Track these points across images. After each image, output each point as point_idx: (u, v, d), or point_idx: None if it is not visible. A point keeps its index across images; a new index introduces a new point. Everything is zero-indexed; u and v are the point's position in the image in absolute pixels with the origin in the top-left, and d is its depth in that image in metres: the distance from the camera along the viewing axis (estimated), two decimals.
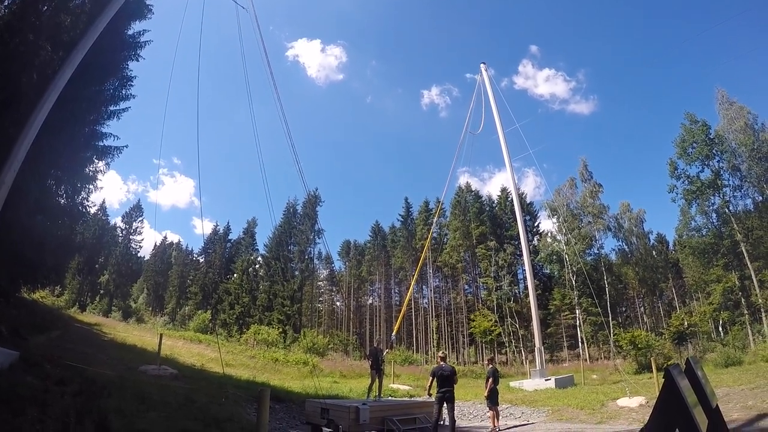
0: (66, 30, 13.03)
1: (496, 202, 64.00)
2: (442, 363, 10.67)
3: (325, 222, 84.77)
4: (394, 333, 26.99)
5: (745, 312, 36.30)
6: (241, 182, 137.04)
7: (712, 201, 39.63)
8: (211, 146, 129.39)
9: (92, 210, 21.75)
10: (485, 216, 60.26)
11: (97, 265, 59.28)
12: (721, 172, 39.14)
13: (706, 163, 39.31)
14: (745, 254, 35.98)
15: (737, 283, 37.36)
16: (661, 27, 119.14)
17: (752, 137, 37.50)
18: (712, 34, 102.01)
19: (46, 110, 10.08)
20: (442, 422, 10.60)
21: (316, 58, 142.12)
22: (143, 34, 19.37)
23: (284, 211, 64.98)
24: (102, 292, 60.64)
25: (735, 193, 39.27)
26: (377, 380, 13.71)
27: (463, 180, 63.95)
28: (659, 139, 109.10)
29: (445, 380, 10.32)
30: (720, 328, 37.91)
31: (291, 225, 63.78)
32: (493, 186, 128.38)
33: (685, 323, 38.63)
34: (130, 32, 18.55)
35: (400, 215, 69.68)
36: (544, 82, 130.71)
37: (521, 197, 55.22)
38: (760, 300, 34.10)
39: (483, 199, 64.42)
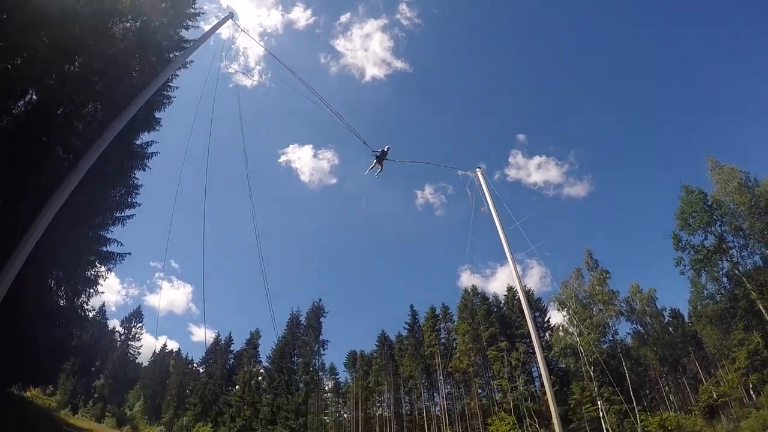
0: (77, 134, 14.07)
1: (503, 301, 63.03)
2: None
3: (330, 333, 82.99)
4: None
5: None
6: (243, 289, 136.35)
7: (721, 266, 39.53)
8: (212, 252, 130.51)
9: (91, 314, 21.70)
10: (494, 317, 59.09)
11: (92, 369, 57.50)
12: (725, 235, 39.48)
13: (709, 229, 39.78)
14: (764, 311, 35.01)
15: (761, 341, 35.95)
16: (645, 95, 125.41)
17: (748, 195, 38.32)
18: (695, 100, 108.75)
19: (52, 212, 10.47)
20: None
21: (308, 162, 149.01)
22: (151, 145, 20.87)
23: (288, 322, 64.24)
24: (96, 396, 58.16)
25: (742, 253, 39.35)
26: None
27: (465, 278, 63.88)
28: (659, 212, 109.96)
29: None
30: (751, 392, 35.74)
31: (295, 336, 62.68)
32: (497, 282, 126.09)
33: (714, 394, 36.30)
34: (138, 142, 19.92)
35: (406, 323, 68.77)
36: (536, 170, 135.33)
37: (528, 293, 54.55)
38: None
39: (490, 300, 63.61)
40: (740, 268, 38.47)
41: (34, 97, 13.31)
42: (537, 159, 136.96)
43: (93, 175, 12.32)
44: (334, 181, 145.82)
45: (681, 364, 50.10)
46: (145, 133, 20.39)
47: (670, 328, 53.31)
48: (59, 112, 13.49)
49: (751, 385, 36.00)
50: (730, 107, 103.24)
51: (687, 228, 40.60)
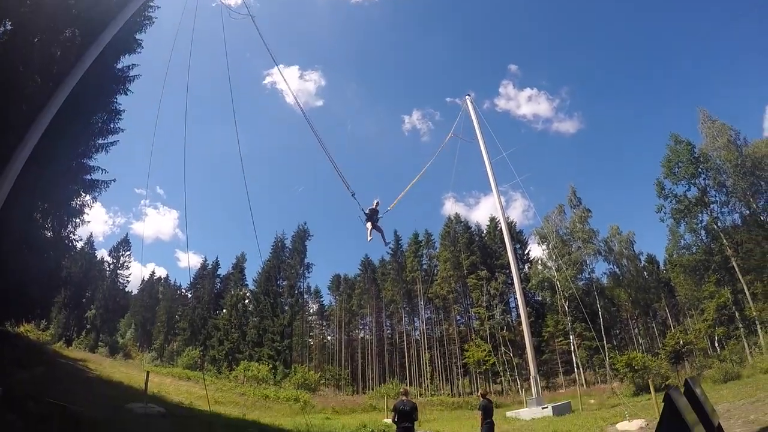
0: (56, 62, 13.12)
1: (485, 231, 63.99)
2: (403, 398, 10.41)
3: (315, 256, 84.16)
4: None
5: (740, 326, 36.19)
6: (228, 214, 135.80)
7: (701, 218, 40.15)
8: (196, 177, 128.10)
9: (79, 244, 21.48)
10: (475, 246, 60.16)
11: (83, 300, 58.06)
12: (708, 189, 39.85)
13: (693, 181, 39.99)
14: (736, 268, 36.16)
15: (730, 297, 37.40)
16: (644, 40, 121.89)
17: (735, 153, 38.33)
18: (692, 52, 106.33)
19: (33, 142, 9.93)
20: None
21: (293, 84, 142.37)
22: (132, 68, 19.75)
23: (272, 245, 64.50)
24: (89, 327, 59.15)
25: (722, 209, 39.93)
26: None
27: (449, 205, 64.25)
28: (645, 158, 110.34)
29: (405, 415, 10.02)
30: (716, 344, 37.85)
31: (280, 259, 63.19)
32: (480, 211, 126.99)
33: (681, 342, 38.31)
34: (119, 66, 18.83)
35: (389, 248, 68.99)
36: (526, 103, 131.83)
37: (510, 225, 55.45)
38: (754, 312, 34.07)
39: (472, 229, 64.58)
40: (719, 224, 39.09)
41: (9, 26, 12.27)
42: (528, 91, 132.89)
43: (73, 102, 11.64)
44: (320, 103, 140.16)
45: (652, 308, 51.83)
46: (126, 55, 19.36)
47: (645, 273, 54.48)
48: (36, 39, 12.45)
49: (716, 338, 37.72)
50: (731, 63, 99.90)
51: (671, 177, 40.72)
